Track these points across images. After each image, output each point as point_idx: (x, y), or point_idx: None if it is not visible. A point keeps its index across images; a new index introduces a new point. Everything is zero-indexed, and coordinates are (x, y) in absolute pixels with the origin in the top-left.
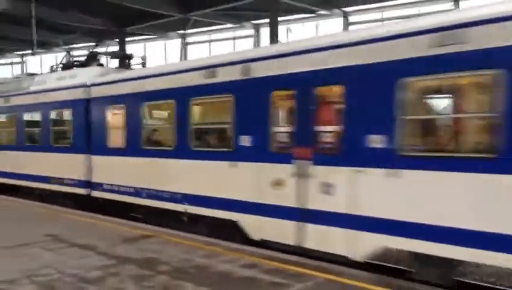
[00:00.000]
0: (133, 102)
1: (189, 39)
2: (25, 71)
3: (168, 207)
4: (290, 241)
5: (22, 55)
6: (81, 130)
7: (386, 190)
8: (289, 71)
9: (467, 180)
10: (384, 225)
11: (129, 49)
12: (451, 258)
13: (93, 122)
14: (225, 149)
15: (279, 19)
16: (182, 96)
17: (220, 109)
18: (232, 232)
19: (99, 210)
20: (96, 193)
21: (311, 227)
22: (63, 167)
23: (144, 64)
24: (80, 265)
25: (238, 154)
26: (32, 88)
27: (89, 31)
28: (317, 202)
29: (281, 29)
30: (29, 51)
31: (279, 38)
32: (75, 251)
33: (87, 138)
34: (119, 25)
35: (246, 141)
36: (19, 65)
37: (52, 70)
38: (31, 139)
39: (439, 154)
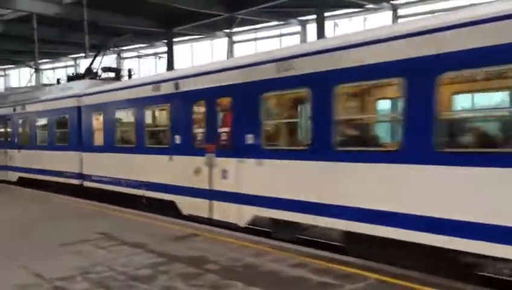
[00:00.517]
0: (108, 109)
1: (235, 38)
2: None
3: (133, 193)
4: (205, 214)
5: (75, 59)
6: (75, 131)
7: (256, 174)
8: (201, 87)
9: (290, 165)
10: (255, 199)
11: (176, 49)
12: (294, 221)
13: (83, 125)
14: (166, 146)
15: (326, 14)
16: (138, 105)
17: (162, 115)
18: (173, 210)
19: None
20: (87, 183)
21: (216, 203)
22: (63, 162)
23: (130, 76)
24: (130, 263)
25: (173, 150)
26: (43, 97)
27: (138, 33)
28: (219, 184)
29: (328, 24)
30: (82, 54)
31: (326, 34)
32: (125, 248)
33: (79, 138)
34: (166, 26)
35: (178, 139)
36: (73, 68)
37: (58, 82)
38: (42, 139)
39: (279, 147)
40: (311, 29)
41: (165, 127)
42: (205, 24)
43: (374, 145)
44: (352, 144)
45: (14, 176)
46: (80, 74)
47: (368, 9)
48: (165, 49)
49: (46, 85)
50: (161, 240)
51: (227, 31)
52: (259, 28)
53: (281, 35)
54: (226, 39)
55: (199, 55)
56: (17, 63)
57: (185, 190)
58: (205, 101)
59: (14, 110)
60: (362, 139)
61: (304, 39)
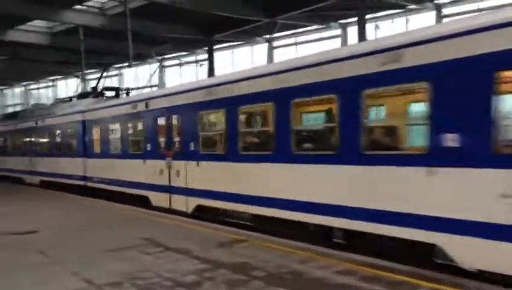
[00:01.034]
0: (103, 123)
1: (275, 43)
2: (122, 84)
3: (120, 190)
4: (167, 205)
5: (119, 68)
6: (80, 141)
7: (197, 172)
8: (163, 105)
9: (214, 165)
10: (197, 192)
11: (217, 56)
12: (219, 207)
13: (87, 135)
14: (140, 152)
15: (367, 16)
16: (122, 120)
17: (137, 128)
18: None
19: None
20: (89, 184)
21: (173, 196)
22: (71, 167)
23: (127, 94)
24: (176, 269)
25: (146, 155)
26: (58, 112)
27: (179, 41)
28: (175, 182)
29: (369, 27)
30: (126, 64)
31: (367, 37)
32: (170, 254)
33: (84, 146)
34: (207, 34)
35: (149, 147)
36: (117, 77)
37: (70, 98)
38: (58, 148)
39: (209, 152)
40: (352, 32)
41: (140, 137)
42: (245, 30)
43: None
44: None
45: (37, 179)
46: (88, 91)
47: (411, 10)
48: (206, 56)
49: (61, 100)
50: (205, 246)
51: (267, 36)
52: (299, 33)
53: (321, 39)
54: (266, 45)
55: (239, 61)
56: (65, 74)
57: (154, 186)
58: (164, 117)
59: (36, 123)
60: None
61: (344, 42)
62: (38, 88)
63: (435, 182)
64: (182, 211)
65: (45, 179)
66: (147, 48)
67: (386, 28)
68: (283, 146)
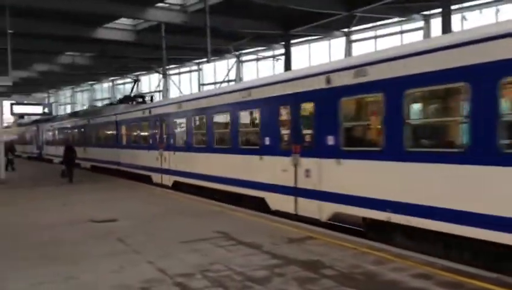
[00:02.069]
0: (127, 124)
1: (353, 36)
2: (201, 79)
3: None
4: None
5: (199, 64)
6: (114, 136)
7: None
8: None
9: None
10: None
11: (294, 50)
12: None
13: (118, 132)
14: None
15: (453, 7)
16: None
17: (146, 128)
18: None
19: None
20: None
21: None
22: (111, 154)
23: (151, 100)
24: (246, 263)
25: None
26: (105, 113)
27: (257, 36)
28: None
29: (455, 18)
30: (205, 59)
31: (452, 29)
32: (242, 248)
33: (117, 140)
34: (284, 28)
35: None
36: (196, 73)
37: (113, 103)
38: (103, 140)
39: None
40: (436, 24)
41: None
42: (323, 24)
43: None
44: None
45: (88, 164)
46: (122, 98)
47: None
48: (283, 51)
49: (110, 104)
50: (277, 241)
51: (346, 30)
52: (379, 26)
53: (402, 32)
54: (343, 38)
55: (316, 55)
56: (148, 70)
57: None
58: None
59: (89, 122)
60: None
61: (427, 35)
62: (124, 83)
63: None
64: (312, 218)
65: (93, 163)
66: (225, 43)
67: (473, 20)
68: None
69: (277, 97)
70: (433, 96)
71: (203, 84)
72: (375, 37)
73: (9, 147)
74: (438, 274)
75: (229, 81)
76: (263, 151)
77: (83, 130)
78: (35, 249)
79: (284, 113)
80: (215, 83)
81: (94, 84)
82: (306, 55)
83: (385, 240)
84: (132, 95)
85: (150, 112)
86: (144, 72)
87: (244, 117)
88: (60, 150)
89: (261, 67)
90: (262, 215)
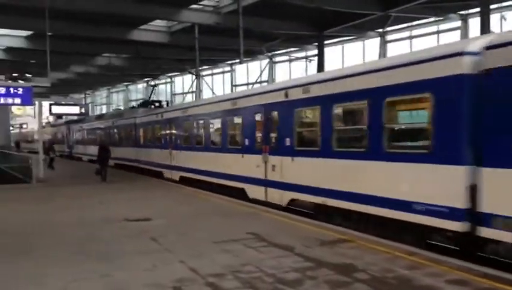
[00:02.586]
0: (143, 126)
1: (388, 37)
2: (233, 80)
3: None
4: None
5: (231, 64)
6: (133, 136)
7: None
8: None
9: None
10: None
11: (327, 51)
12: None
13: (137, 132)
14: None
15: (492, 6)
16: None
17: (158, 130)
18: None
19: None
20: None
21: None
22: (130, 152)
23: (167, 104)
24: (278, 265)
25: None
26: (125, 116)
27: (290, 37)
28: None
29: (494, 18)
30: (237, 60)
31: (491, 29)
32: (274, 250)
33: (136, 140)
34: (317, 29)
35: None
36: (229, 74)
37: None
38: (124, 140)
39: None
40: (474, 24)
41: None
42: (357, 24)
43: None
44: None
45: (112, 162)
46: (141, 103)
47: None
48: (316, 51)
49: (133, 108)
50: (309, 243)
51: (380, 30)
52: (414, 26)
53: (439, 32)
54: (378, 39)
55: (350, 56)
56: (181, 71)
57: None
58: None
59: (112, 123)
60: None
61: (465, 35)
62: (158, 84)
63: None
64: (276, 203)
65: (116, 161)
66: (258, 44)
67: None
68: None
69: (253, 107)
70: (348, 110)
71: (236, 85)
72: (410, 38)
73: (50, 146)
74: (474, 280)
75: (261, 82)
76: (244, 150)
77: (107, 131)
78: (74, 246)
79: (258, 119)
80: (247, 84)
81: (129, 85)
82: (339, 56)
83: (327, 221)
84: (150, 100)
85: (161, 116)
86: (177, 73)
87: (231, 122)
88: (88, 149)
89: (293, 68)
90: (294, 217)
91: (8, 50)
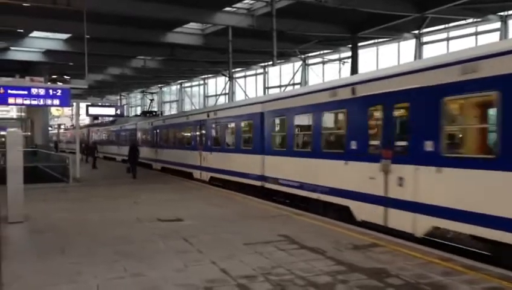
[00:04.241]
0: (143, 132)
1: (425, 38)
2: (266, 82)
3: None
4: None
5: (264, 67)
6: (133, 140)
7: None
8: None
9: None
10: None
11: (361, 53)
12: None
13: (138, 137)
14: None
15: None
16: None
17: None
18: None
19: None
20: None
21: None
22: (149, 155)
23: (162, 114)
24: (309, 268)
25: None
26: (128, 122)
27: (323, 39)
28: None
29: None
30: (270, 62)
31: None
32: (305, 253)
33: (136, 143)
34: (351, 31)
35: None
36: (262, 76)
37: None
38: (125, 141)
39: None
40: None
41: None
42: (392, 26)
43: None
44: None
45: (121, 158)
46: (144, 111)
47: None
48: (349, 53)
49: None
50: (340, 247)
51: (416, 32)
52: (452, 27)
53: (477, 33)
54: (413, 41)
55: (384, 58)
56: (214, 73)
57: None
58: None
59: (121, 128)
60: None
61: (504, 36)
62: (191, 86)
63: None
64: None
65: (123, 157)
66: (291, 46)
67: None
68: None
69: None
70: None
71: (268, 88)
72: (448, 39)
73: (94, 147)
74: (509, 288)
75: (294, 84)
76: (255, 150)
77: (121, 133)
78: (108, 245)
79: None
80: (280, 86)
81: (163, 86)
82: (373, 58)
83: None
84: (148, 110)
85: (164, 121)
86: (210, 75)
87: (240, 126)
88: (106, 149)
89: (326, 71)
90: (327, 221)
91: (48, 52)
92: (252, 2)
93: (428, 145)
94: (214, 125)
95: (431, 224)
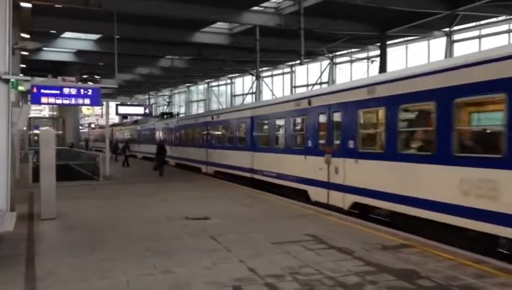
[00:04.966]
0: (160, 131)
1: (456, 36)
2: (293, 81)
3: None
4: None
5: (291, 66)
6: (152, 138)
7: None
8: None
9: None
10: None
11: (390, 52)
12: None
13: (156, 136)
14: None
15: None
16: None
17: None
18: None
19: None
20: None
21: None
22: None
23: (177, 115)
24: (337, 268)
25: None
26: (147, 123)
27: (351, 38)
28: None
29: None
30: (298, 61)
31: None
32: (333, 253)
33: (163, 142)
34: (380, 29)
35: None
36: (289, 75)
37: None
38: (145, 141)
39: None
40: None
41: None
42: (421, 24)
43: None
44: None
45: (141, 155)
46: (162, 113)
47: None
48: (378, 52)
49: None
50: (369, 247)
51: (447, 29)
52: (483, 25)
53: (510, 30)
54: (444, 38)
55: (414, 57)
56: (242, 72)
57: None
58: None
59: (141, 128)
60: None
61: None
62: (218, 85)
63: None
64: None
65: (144, 155)
66: (319, 45)
67: None
68: None
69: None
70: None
71: (296, 87)
72: (479, 37)
73: (126, 146)
74: None
75: (321, 83)
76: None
77: (141, 132)
78: (138, 242)
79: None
80: (307, 86)
81: (190, 86)
82: (402, 56)
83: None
84: (165, 112)
85: (178, 121)
86: (237, 75)
87: (236, 127)
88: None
89: (355, 69)
90: (354, 221)
91: (79, 53)
92: (279, 1)
93: (351, 144)
94: (216, 127)
95: (353, 200)
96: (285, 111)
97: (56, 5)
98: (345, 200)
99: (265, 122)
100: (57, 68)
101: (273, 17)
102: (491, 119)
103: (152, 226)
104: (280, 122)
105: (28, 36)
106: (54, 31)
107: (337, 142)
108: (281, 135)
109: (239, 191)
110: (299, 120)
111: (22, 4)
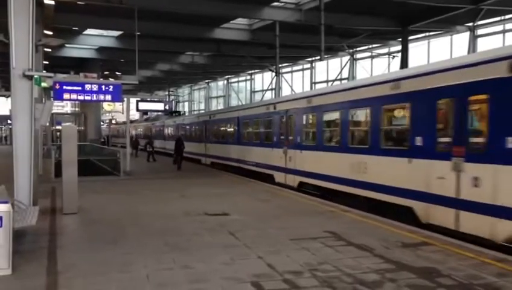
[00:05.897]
0: (169, 128)
1: (479, 31)
2: (313, 77)
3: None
4: None
5: (311, 62)
6: (162, 134)
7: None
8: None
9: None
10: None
11: (411, 47)
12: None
13: (166, 132)
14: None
15: None
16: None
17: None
18: None
19: None
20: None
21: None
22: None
23: (184, 114)
24: (357, 266)
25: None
26: (158, 120)
27: (372, 33)
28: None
29: None
30: (317, 57)
31: None
32: (352, 250)
33: (163, 138)
34: (401, 24)
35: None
36: (308, 71)
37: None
38: (159, 136)
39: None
40: None
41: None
42: (444, 19)
43: None
44: None
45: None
46: (170, 112)
47: None
48: (399, 47)
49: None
50: (389, 245)
51: (470, 24)
52: (508, 19)
53: None
54: (467, 33)
55: (437, 51)
56: (261, 68)
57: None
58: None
59: (153, 124)
60: None
61: None
62: (238, 81)
63: None
64: None
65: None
66: (339, 40)
67: None
68: None
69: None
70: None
71: (315, 83)
72: (504, 32)
73: (150, 141)
74: None
75: (341, 79)
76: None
77: (153, 129)
78: (158, 237)
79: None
80: (327, 81)
81: (210, 82)
82: (424, 51)
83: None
84: (173, 110)
85: (184, 119)
86: (257, 71)
87: (227, 125)
88: (142, 142)
89: (375, 65)
90: (374, 218)
91: (100, 49)
92: None
93: (298, 138)
94: (212, 124)
95: (299, 180)
96: (259, 113)
97: (78, 2)
98: (295, 180)
99: (247, 121)
100: (79, 65)
101: (294, 13)
102: (361, 123)
103: (171, 222)
104: (257, 121)
105: (51, 33)
106: (76, 28)
107: (291, 137)
108: (257, 132)
109: (257, 188)
110: (267, 121)
111: (46, 1)
